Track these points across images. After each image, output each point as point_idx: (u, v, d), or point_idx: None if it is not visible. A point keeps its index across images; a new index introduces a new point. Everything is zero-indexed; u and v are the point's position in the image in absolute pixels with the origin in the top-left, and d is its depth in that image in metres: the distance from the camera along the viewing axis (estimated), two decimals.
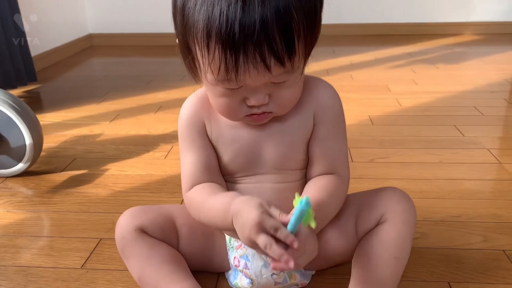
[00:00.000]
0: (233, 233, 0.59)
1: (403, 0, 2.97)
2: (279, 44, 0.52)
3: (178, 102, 1.80)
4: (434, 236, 0.89)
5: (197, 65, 0.59)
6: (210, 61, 0.54)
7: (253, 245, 0.54)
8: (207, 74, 0.57)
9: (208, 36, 0.52)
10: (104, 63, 2.66)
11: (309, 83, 0.68)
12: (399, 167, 1.19)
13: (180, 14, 0.56)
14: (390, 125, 1.48)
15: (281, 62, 0.53)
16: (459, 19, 2.98)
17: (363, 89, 1.88)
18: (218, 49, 0.52)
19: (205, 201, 0.64)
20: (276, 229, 0.52)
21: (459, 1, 2.96)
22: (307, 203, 0.50)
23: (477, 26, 2.98)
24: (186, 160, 0.70)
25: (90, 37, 2.97)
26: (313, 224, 0.52)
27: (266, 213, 0.53)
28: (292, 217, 0.52)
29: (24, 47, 1.94)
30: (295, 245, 0.50)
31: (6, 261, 0.85)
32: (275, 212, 0.54)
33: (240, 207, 0.56)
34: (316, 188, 0.67)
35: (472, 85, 1.91)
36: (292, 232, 0.52)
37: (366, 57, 2.46)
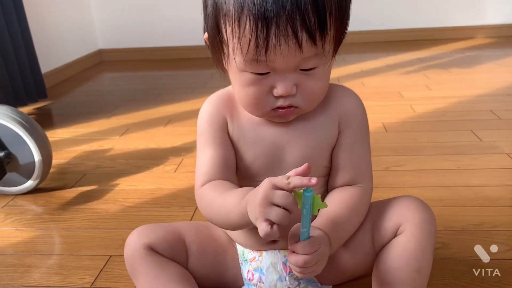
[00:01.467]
0: (245, 223, 0.57)
1: (412, 6, 2.94)
2: (311, 18, 0.52)
3: (188, 115, 1.81)
4: (456, 246, 0.85)
5: (226, 50, 0.58)
6: (240, 36, 0.53)
7: (266, 213, 0.50)
8: (236, 55, 0.56)
9: (240, 8, 0.52)
10: (114, 78, 2.67)
11: (335, 90, 0.67)
12: (416, 174, 1.15)
13: None
14: (405, 132, 1.45)
15: (313, 38, 0.53)
16: (471, 23, 2.94)
17: (375, 96, 1.85)
18: (250, 21, 0.52)
19: (219, 196, 0.62)
20: (288, 177, 0.50)
21: (470, 4, 2.92)
22: (310, 190, 0.50)
23: (489, 29, 2.94)
24: (204, 156, 0.67)
25: (100, 52, 2.99)
26: (324, 206, 0.51)
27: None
28: (302, 212, 0.51)
29: (34, 64, 1.95)
30: (314, 180, 0.48)
31: (15, 281, 0.83)
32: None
33: (252, 192, 0.54)
34: (336, 203, 0.65)
35: (488, 88, 1.87)
36: (308, 229, 0.52)
37: (377, 64, 2.43)
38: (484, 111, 1.59)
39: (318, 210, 0.51)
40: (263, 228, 0.50)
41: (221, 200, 0.61)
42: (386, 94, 1.87)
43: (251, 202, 0.53)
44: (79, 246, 0.93)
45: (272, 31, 0.52)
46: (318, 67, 0.57)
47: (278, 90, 0.57)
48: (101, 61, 3.00)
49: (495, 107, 1.62)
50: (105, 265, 0.86)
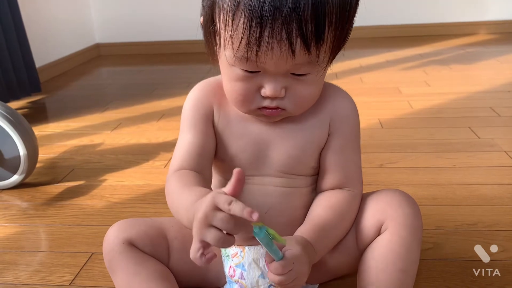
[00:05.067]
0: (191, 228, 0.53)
1: (414, 1, 2.90)
2: (309, 26, 0.49)
3: (182, 110, 1.77)
4: (448, 246, 0.83)
5: (217, 41, 0.56)
6: (232, 32, 0.51)
7: (203, 234, 0.47)
8: (227, 49, 0.53)
9: (236, 3, 0.50)
10: (111, 72, 2.65)
11: (328, 90, 0.65)
12: (410, 172, 1.12)
13: None
14: (401, 128, 1.41)
15: (307, 46, 0.50)
16: (472, 19, 2.90)
17: (373, 92, 1.81)
18: (244, 18, 0.49)
19: (179, 189, 0.59)
20: (230, 202, 0.45)
21: (472, 0, 2.88)
22: (260, 231, 0.47)
23: (491, 25, 2.89)
24: (182, 140, 0.66)
25: (97, 46, 2.96)
26: (283, 241, 0.50)
27: (220, 192, 0.48)
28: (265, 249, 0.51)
29: (27, 58, 1.92)
30: (255, 216, 0.43)
31: None
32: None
33: (200, 201, 0.50)
34: (324, 209, 0.63)
35: (488, 85, 1.83)
36: (277, 255, 0.52)
37: (376, 60, 2.39)
38: (483, 108, 1.56)
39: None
40: (193, 250, 0.47)
41: (178, 195, 0.59)
42: (384, 90, 1.83)
43: (195, 213, 0.50)
44: (61, 242, 0.91)
45: (266, 33, 0.49)
46: (311, 73, 0.55)
47: (266, 91, 0.55)
48: (99, 55, 2.98)
49: (494, 103, 1.59)
50: (86, 262, 0.84)
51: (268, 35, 0.49)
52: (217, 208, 0.46)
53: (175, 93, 1.95)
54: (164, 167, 1.23)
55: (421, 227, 0.62)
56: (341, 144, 0.64)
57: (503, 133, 1.34)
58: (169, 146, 1.36)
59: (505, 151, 1.21)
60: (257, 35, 0.49)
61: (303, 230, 0.60)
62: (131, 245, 0.66)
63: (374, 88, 1.87)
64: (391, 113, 1.55)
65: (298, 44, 0.50)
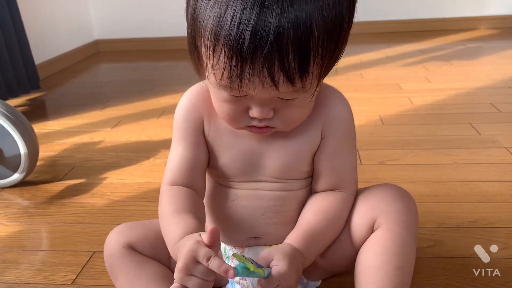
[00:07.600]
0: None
1: None
2: (291, 62, 0.46)
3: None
4: (450, 243, 0.83)
5: (202, 64, 0.55)
6: (214, 64, 0.49)
7: (185, 280, 0.51)
8: (210, 76, 0.52)
9: (216, 38, 0.47)
10: (110, 68, 2.64)
11: (321, 94, 0.63)
12: (411, 169, 1.12)
13: (192, 7, 0.51)
14: (402, 125, 1.41)
15: (291, 81, 0.48)
16: (473, 13, 2.89)
17: (373, 88, 1.81)
18: (224, 53, 0.47)
19: (170, 215, 0.61)
20: (208, 258, 0.49)
21: None
22: (237, 270, 0.49)
23: (492, 20, 2.88)
24: (174, 151, 0.66)
25: (96, 43, 2.95)
26: (261, 272, 0.52)
27: (201, 243, 0.51)
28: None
29: (26, 55, 1.92)
30: (230, 274, 0.47)
31: None
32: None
33: (183, 241, 0.54)
34: (315, 214, 0.62)
35: (488, 81, 1.83)
36: (262, 275, 0.53)
37: (376, 55, 2.39)
38: (484, 104, 1.55)
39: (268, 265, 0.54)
40: None
41: (167, 223, 0.60)
42: (384, 86, 1.83)
43: (178, 254, 0.52)
44: (62, 241, 0.91)
45: (246, 70, 0.47)
46: (298, 98, 0.53)
47: (254, 113, 0.54)
48: (98, 51, 2.97)
49: (495, 99, 1.59)
50: (88, 261, 0.84)
51: (249, 72, 0.47)
52: (197, 261, 0.49)
53: (175, 89, 1.95)
54: (165, 164, 1.22)
55: (416, 222, 0.61)
56: (334, 148, 0.63)
57: (504, 129, 1.34)
58: (169, 144, 1.33)
59: (506, 148, 1.21)
60: (238, 71, 0.47)
61: (292, 237, 0.60)
62: (131, 248, 0.66)
63: (374, 84, 1.87)
64: (392, 109, 1.55)
65: (281, 79, 0.48)
